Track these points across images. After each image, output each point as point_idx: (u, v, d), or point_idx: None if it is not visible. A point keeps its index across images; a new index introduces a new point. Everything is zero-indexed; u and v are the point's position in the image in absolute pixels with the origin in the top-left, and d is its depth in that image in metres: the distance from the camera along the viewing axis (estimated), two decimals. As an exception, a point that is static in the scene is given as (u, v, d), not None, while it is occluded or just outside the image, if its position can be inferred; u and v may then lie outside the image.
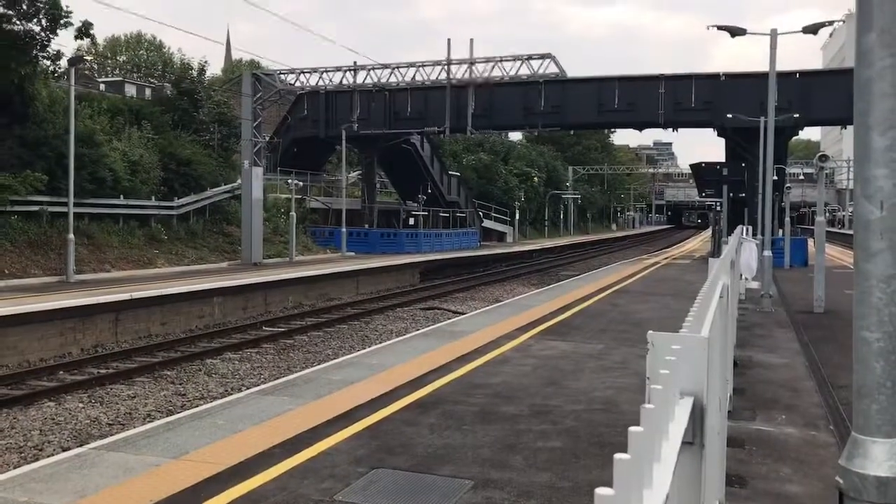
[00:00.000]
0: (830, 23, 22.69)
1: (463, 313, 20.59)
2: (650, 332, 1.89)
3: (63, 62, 24.60)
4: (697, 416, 1.88)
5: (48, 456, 8.83)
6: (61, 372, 14.42)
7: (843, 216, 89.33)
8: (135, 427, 9.19)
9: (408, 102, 39.89)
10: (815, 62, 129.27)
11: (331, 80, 37.27)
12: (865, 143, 2.64)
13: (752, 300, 18.59)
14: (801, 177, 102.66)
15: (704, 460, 1.99)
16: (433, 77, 36.51)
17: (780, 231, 36.11)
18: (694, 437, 1.88)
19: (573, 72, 42.39)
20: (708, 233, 65.06)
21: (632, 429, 1.13)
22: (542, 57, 33.90)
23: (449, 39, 36.12)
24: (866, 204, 2.62)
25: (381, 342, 16.07)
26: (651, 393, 1.38)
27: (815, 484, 6.18)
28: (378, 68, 36.86)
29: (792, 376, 10.51)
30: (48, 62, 24.73)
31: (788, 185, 39.80)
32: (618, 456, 1.03)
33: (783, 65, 36.25)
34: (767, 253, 19.68)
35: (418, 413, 8.20)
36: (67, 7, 23.91)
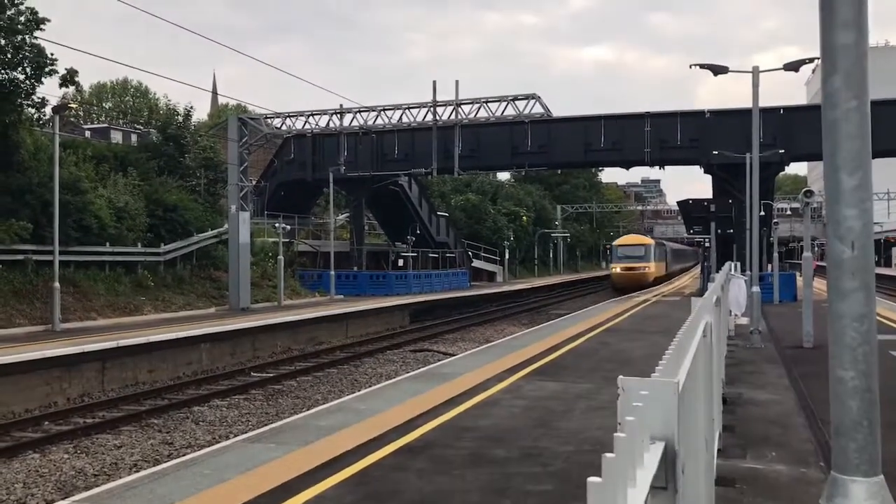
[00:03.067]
0: (811, 60, 23.07)
1: (453, 354, 20.50)
2: (620, 377, 1.89)
3: (48, 110, 24.63)
4: (669, 461, 1.87)
5: (31, 509, 8.68)
6: (46, 422, 14.23)
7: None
8: (120, 477, 9.06)
9: (395, 144, 40.16)
10: (799, 97, 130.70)
11: (317, 124, 37.53)
12: (835, 183, 2.66)
13: (742, 336, 18.59)
14: (789, 212, 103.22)
15: (679, 505, 1.97)
16: (419, 118, 36.74)
17: (769, 266, 36.24)
18: (667, 482, 1.87)
19: (559, 111, 42.87)
20: (698, 269, 65.28)
21: (590, 480, 1.12)
22: (528, 97, 34.24)
23: (434, 81, 36.57)
24: (838, 244, 2.64)
25: (370, 385, 15.96)
26: (615, 441, 1.37)
27: (806, 522, 6.13)
28: (364, 111, 37.11)
29: (782, 412, 10.48)
30: (32, 110, 24.82)
31: (776, 220, 40.00)
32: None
33: (769, 100, 36.76)
34: (756, 289, 19.71)
35: (407, 458, 8.12)
36: (52, 55, 24.07)
